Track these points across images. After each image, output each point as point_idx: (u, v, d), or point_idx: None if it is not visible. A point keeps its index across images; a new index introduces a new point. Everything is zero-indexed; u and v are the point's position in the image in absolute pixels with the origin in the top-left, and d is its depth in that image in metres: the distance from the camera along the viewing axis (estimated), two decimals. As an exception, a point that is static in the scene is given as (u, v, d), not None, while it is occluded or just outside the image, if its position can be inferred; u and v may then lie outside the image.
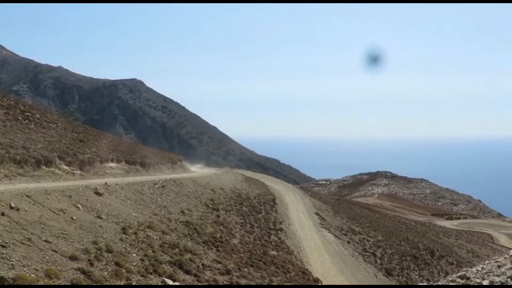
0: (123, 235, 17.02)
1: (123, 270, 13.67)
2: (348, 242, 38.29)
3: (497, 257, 8.35)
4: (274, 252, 27.55)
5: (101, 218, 17.83)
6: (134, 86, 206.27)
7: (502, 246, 58.52)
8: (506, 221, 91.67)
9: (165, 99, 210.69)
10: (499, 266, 7.64)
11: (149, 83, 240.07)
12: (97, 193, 20.94)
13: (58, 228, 14.45)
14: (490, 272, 7.45)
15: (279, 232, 34.22)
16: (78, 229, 15.37)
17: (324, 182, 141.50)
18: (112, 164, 31.03)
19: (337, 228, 42.30)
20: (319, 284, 24.62)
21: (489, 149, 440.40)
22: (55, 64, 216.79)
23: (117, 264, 13.95)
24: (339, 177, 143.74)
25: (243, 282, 18.54)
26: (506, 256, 8.11)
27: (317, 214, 46.37)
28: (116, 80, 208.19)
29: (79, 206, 17.90)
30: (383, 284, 31.51)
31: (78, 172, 25.67)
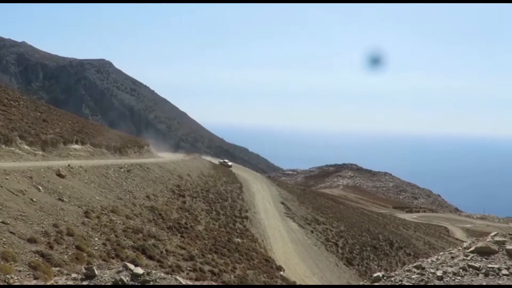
0: (86, 219, 16.69)
1: (84, 254, 13.43)
2: (312, 232, 39.02)
3: (451, 249, 8.74)
4: (239, 240, 27.75)
5: (62, 200, 17.39)
6: (102, 67, 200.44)
7: (457, 239, 61.18)
8: (462, 216, 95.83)
9: (134, 81, 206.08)
10: (452, 257, 8.01)
11: (118, 65, 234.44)
12: (60, 175, 20.38)
13: (16, 210, 14.00)
14: (444, 263, 7.80)
15: (245, 220, 34.46)
16: (38, 211, 14.94)
17: (291, 172, 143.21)
18: (76, 146, 30.20)
19: (302, 218, 42.99)
20: (282, 270, 25.05)
21: (453, 147, 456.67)
22: (18, 39, 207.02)
23: (78, 247, 13.69)
24: (306, 168, 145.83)
25: (206, 268, 18.61)
26: (460, 248, 8.51)
27: (282, 203, 46.93)
28: (84, 60, 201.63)
29: (40, 187, 17.39)
30: (343, 271, 32.38)
31: (40, 152, 24.86)
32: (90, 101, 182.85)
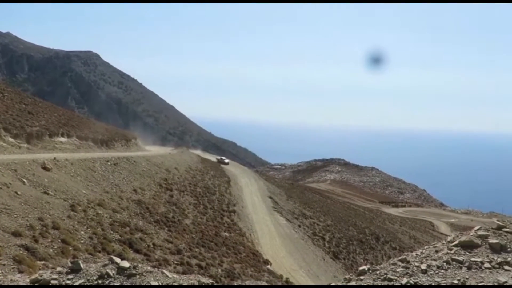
0: (72, 212, 16.54)
1: (70, 248, 13.33)
2: (299, 226, 39.25)
3: (435, 242, 8.87)
4: (226, 234, 27.79)
5: (48, 194, 17.19)
6: (89, 59, 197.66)
7: (441, 233, 62.10)
8: (447, 210, 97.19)
9: (121, 74, 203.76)
10: (436, 251, 8.13)
11: (105, 57, 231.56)
12: (45, 168, 20.13)
13: (0, 203, 13.81)
14: (428, 257, 7.91)
15: (232, 214, 34.50)
16: (22, 204, 14.75)
17: (279, 166, 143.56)
18: (62, 139, 29.86)
19: (289, 212, 43.19)
20: (270, 264, 25.17)
21: (441, 143, 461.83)
22: (3, 30, 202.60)
23: (63, 241, 13.57)
24: (294, 162, 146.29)
25: (193, 262, 18.61)
26: (444, 242, 8.64)
27: (270, 197, 47.07)
28: (70, 52, 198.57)
29: (25, 180, 17.16)
30: (329, 265, 32.68)
31: (25, 145, 24.53)
32: (77, 93, 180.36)
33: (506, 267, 7.29)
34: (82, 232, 15.26)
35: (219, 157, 69.66)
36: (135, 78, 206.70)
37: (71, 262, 8.45)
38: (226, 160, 65.12)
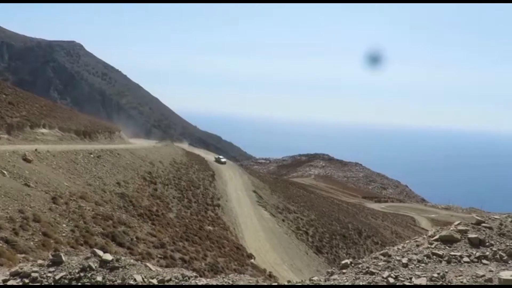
0: (53, 205, 16.30)
1: (51, 241, 13.15)
2: (283, 220, 39.46)
3: (416, 237, 9.02)
4: (210, 227, 27.78)
5: (29, 186, 16.91)
6: (73, 49, 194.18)
7: (422, 228, 63.17)
8: (427, 206, 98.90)
9: (105, 65, 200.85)
10: (417, 245, 8.27)
11: (89, 48, 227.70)
12: (26, 160, 19.78)
13: (-21, 195, 13.54)
14: (409, 251, 8.05)
15: (216, 208, 34.49)
16: (2, 196, 14.48)
17: (264, 161, 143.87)
18: (44, 130, 29.35)
19: (273, 206, 43.37)
20: (253, 258, 25.27)
21: (425, 140, 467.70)
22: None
23: (45, 234, 13.37)
24: (279, 157, 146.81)
25: (177, 256, 18.57)
26: (425, 236, 8.79)
27: (254, 192, 47.18)
28: (53, 41, 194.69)
29: (5, 172, 16.83)
30: (312, 259, 32.97)
31: (5, 136, 24.04)
32: (59, 84, 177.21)
33: (484, 261, 7.47)
34: (64, 225, 15.07)
35: (216, 156, 67.48)
36: (119, 70, 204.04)
37: (53, 255, 8.34)
38: (223, 160, 62.97)
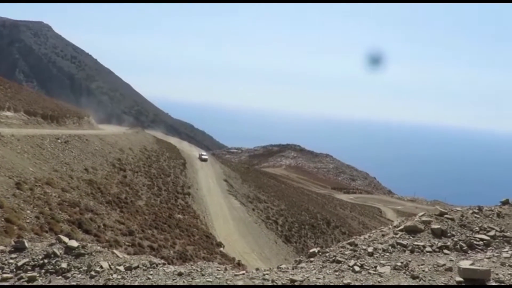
0: (17, 191, 15.80)
1: (15, 227, 12.76)
2: (253, 210, 39.71)
3: (382, 227, 9.26)
4: (180, 216, 27.65)
5: (-9, 170, 16.32)
6: (40, 30, 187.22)
7: (388, 219, 64.97)
8: (394, 198, 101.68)
9: (75, 48, 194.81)
10: (383, 235, 8.50)
11: (57, 29, 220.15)
12: (-12, 143, 19.05)
13: None
14: (375, 240, 8.27)
15: (187, 196, 34.33)
16: (-38, 180, 13.93)
17: (235, 150, 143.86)
18: (8, 113, 28.32)
19: (244, 196, 43.54)
20: (222, 246, 25.37)
21: (395, 133, 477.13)
22: None
23: (7, 220, 12.96)
24: (251, 146, 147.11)
25: (145, 243, 18.41)
26: (390, 227, 9.04)
27: (225, 181, 47.19)
28: (19, 21, 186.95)
29: (-34, 155, 16.17)
30: (281, 248, 33.40)
31: (-34, 118, 23.06)
32: (25, 66, 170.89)
33: (446, 251, 7.76)
34: (28, 211, 14.65)
35: (200, 153, 64.57)
36: (90, 54, 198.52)
37: (15, 241, 8.11)
38: (204, 156, 59.97)
